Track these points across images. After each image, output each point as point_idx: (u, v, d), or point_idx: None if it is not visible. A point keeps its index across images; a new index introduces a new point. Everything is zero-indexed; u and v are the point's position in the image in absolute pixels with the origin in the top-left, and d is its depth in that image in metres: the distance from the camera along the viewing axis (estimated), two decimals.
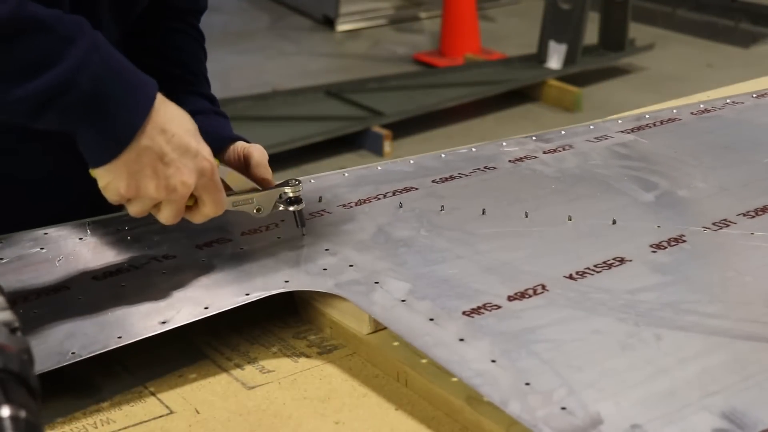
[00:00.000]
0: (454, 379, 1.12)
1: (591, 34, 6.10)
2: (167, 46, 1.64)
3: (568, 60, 5.87)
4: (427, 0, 7.77)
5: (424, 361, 1.17)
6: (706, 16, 7.24)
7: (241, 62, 6.28)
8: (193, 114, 1.60)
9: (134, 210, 1.23)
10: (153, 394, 1.17)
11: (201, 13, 1.68)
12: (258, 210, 1.36)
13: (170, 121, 1.22)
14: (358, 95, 5.53)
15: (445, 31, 6.59)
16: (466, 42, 6.51)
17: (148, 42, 1.63)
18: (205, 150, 1.25)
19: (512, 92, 5.78)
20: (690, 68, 6.36)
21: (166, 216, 1.24)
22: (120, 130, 1.17)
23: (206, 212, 1.27)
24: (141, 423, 1.12)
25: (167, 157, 1.20)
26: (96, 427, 1.11)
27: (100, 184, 1.20)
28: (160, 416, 1.13)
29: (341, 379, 1.20)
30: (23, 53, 1.12)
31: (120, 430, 1.11)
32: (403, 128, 5.25)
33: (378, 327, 1.24)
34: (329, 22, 7.46)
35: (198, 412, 1.14)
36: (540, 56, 5.98)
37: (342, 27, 7.40)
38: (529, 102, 5.80)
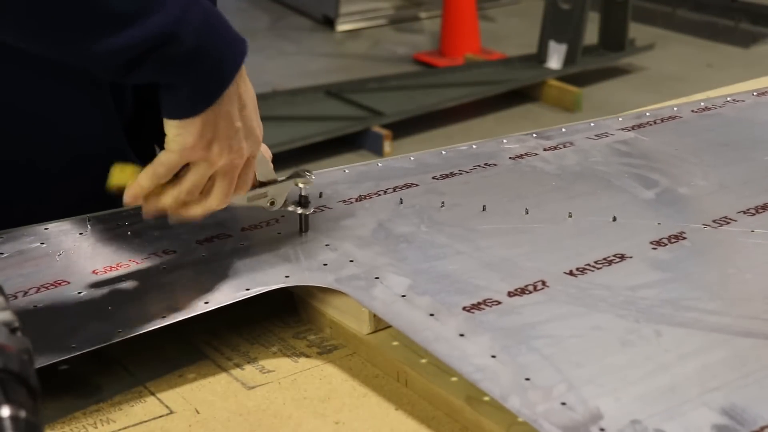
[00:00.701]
0: (454, 379, 1.12)
1: (591, 34, 6.10)
2: None
3: (568, 60, 5.87)
4: (427, 0, 7.78)
5: (423, 360, 1.17)
6: (706, 16, 7.25)
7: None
8: None
9: (191, 180, 1.20)
10: (153, 394, 1.17)
11: None
12: (271, 203, 1.36)
13: (246, 92, 1.21)
14: (358, 95, 5.53)
15: (445, 31, 6.60)
16: (466, 42, 6.52)
17: None
18: (261, 131, 1.25)
19: (512, 92, 5.78)
20: (690, 68, 6.36)
21: (218, 193, 1.23)
22: (212, 86, 1.16)
23: (213, 203, 1.24)
24: (141, 423, 1.12)
25: (236, 125, 1.19)
26: (96, 427, 1.11)
27: (170, 134, 1.17)
28: (160, 416, 1.13)
29: (341, 379, 1.19)
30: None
31: (120, 430, 1.11)
32: (403, 128, 5.26)
33: (378, 327, 1.24)
34: (329, 22, 7.46)
35: (198, 412, 1.14)
36: (540, 56, 5.99)
37: (342, 27, 7.40)
38: (529, 102, 5.81)
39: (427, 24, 7.54)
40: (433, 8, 7.48)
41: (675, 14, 7.34)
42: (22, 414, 0.69)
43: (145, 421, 1.12)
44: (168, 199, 1.22)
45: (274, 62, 6.53)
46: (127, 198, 1.21)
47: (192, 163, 1.20)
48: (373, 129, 5.13)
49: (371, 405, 1.14)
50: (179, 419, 1.13)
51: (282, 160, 4.61)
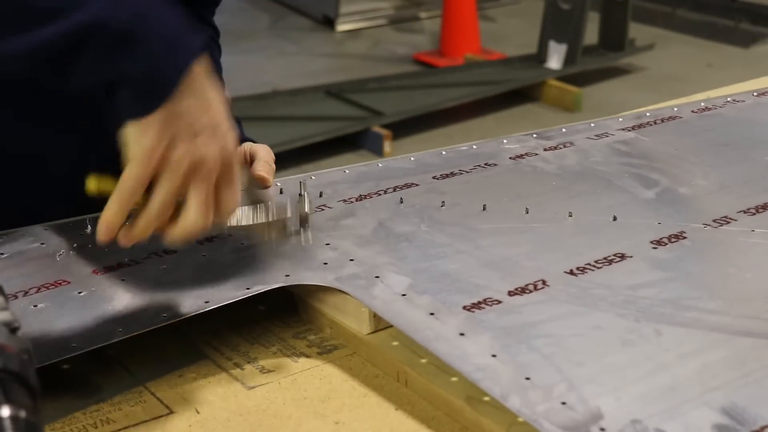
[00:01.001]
0: (454, 379, 1.12)
1: (591, 34, 6.10)
2: None
3: (568, 60, 5.87)
4: (427, 0, 7.77)
5: (423, 360, 1.17)
6: (706, 16, 7.24)
7: (241, 62, 6.28)
8: None
9: (159, 195, 1.09)
10: (153, 394, 1.17)
11: (216, 4, 1.67)
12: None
13: (211, 90, 1.12)
14: (358, 95, 5.53)
15: (445, 31, 6.60)
16: (466, 42, 6.52)
17: None
18: (233, 135, 1.16)
19: (512, 92, 5.78)
20: (690, 68, 6.36)
21: (194, 206, 1.11)
22: (162, 78, 1.07)
23: (190, 219, 1.13)
24: (141, 423, 1.12)
25: (200, 121, 1.10)
26: (96, 427, 1.11)
27: (128, 142, 1.08)
28: (160, 416, 1.13)
29: (341, 379, 1.19)
30: None
31: (120, 430, 1.11)
32: (403, 128, 5.26)
33: (378, 327, 1.24)
34: (329, 22, 7.46)
35: (198, 412, 1.13)
36: (540, 56, 5.99)
37: (342, 27, 7.40)
38: (529, 102, 5.80)
39: (427, 24, 7.54)
40: (433, 8, 7.48)
41: (675, 14, 7.34)
42: (22, 414, 0.69)
43: (145, 421, 1.12)
44: (140, 223, 1.12)
45: (274, 62, 6.53)
46: (100, 235, 1.11)
47: (157, 178, 1.11)
48: (373, 129, 5.13)
49: (371, 405, 1.14)
50: (179, 419, 1.13)
51: (282, 160, 4.60)
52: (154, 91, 1.08)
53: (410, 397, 1.15)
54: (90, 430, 1.11)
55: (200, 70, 1.11)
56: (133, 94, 1.08)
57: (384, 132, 5.08)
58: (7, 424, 0.68)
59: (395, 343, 1.21)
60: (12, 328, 0.75)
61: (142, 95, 1.08)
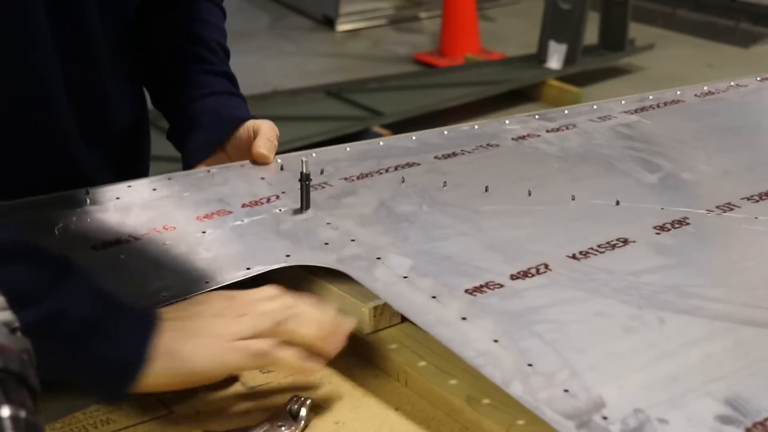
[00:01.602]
0: (453, 382, 1.12)
1: (591, 34, 6.08)
2: (189, 18, 1.63)
3: (568, 60, 5.85)
4: (427, 0, 7.75)
5: (423, 363, 1.16)
6: (706, 16, 7.22)
7: (241, 62, 6.23)
8: (209, 95, 1.60)
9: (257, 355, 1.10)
10: (153, 394, 1.15)
11: None
12: None
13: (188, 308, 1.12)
14: (358, 95, 5.51)
15: (445, 31, 6.58)
16: (466, 42, 6.50)
17: (170, 15, 1.62)
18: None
19: (512, 92, 5.76)
20: (690, 68, 6.34)
21: (289, 359, 1.10)
22: (131, 347, 1.06)
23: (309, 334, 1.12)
24: (141, 423, 1.11)
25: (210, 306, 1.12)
26: (96, 427, 1.10)
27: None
28: (160, 416, 1.12)
29: (341, 379, 1.18)
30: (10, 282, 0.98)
31: (120, 430, 1.10)
32: (403, 128, 5.22)
33: (378, 327, 1.23)
34: (329, 22, 7.43)
35: (198, 412, 1.13)
36: (540, 56, 5.96)
37: (342, 27, 7.38)
38: (529, 102, 5.78)
39: (427, 24, 7.51)
40: (433, 8, 7.45)
41: (675, 14, 7.32)
42: (22, 414, 0.68)
43: (145, 421, 1.11)
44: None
45: (274, 62, 6.50)
46: None
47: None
48: (373, 129, 5.10)
49: (371, 405, 1.13)
50: (179, 419, 1.12)
51: None
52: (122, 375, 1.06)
53: (410, 397, 1.14)
54: (90, 430, 1.10)
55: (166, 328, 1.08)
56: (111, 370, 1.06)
57: (384, 132, 5.05)
58: (7, 424, 0.67)
59: (394, 346, 1.20)
60: (12, 328, 0.74)
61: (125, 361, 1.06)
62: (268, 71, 6.14)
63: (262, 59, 6.53)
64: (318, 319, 1.12)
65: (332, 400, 1.14)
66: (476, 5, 6.62)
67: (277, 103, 5.19)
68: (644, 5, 7.30)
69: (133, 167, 1.61)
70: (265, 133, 1.55)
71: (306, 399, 1.10)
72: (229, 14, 1.72)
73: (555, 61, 5.86)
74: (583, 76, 5.99)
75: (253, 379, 1.18)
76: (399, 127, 5.16)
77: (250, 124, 1.57)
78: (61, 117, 1.42)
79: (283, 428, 1.08)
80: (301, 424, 1.08)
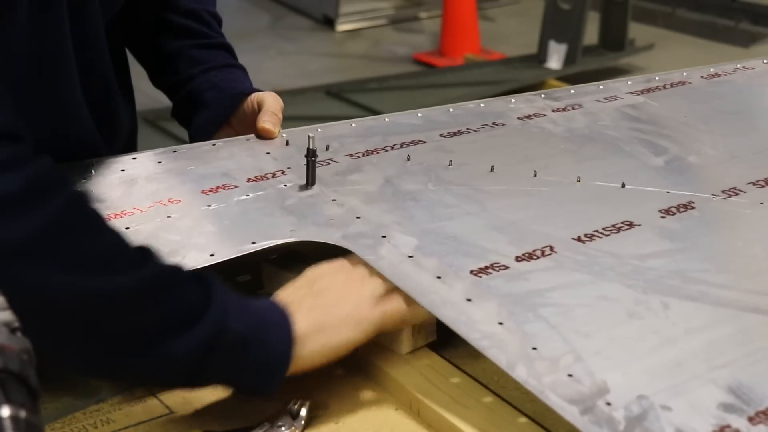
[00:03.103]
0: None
1: (591, 34, 6.05)
2: None
3: (568, 60, 5.83)
4: (427, 0, 7.72)
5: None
6: (706, 16, 7.19)
7: (241, 62, 6.21)
8: (209, 69, 1.59)
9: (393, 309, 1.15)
10: (153, 394, 1.15)
11: None
12: None
13: (322, 286, 1.14)
14: (358, 95, 5.49)
15: (445, 31, 6.55)
16: (466, 42, 6.47)
17: None
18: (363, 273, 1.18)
19: (512, 92, 5.74)
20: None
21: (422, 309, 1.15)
22: (279, 346, 1.08)
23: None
24: (141, 423, 1.11)
25: (331, 316, 1.12)
26: (96, 427, 1.10)
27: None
28: (160, 416, 1.13)
29: (341, 379, 1.18)
30: (170, 308, 1.02)
31: (120, 430, 1.10)
32: None
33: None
34: (329, 22, 7.40)
35: (198, 412, 1.13)
36: (540, 56, 5.94)
37: (342, 27, 7.34)
38: None
39: (427, 24, 7.47)
40: (433, 8, 7.41)
41: (675, 14, 7.28)
42: (22, 414, 0.69)
43: (145, 421, 1.12)
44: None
45: (274, 62, 6.46)
46: None
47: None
48: None
49: (371, 405, 1.13)
50: (179, 419, 1.12)
51: None
52: (279, 358, 1.08)
53: (410, 397, 1.13)
54: (90, 430, 1.10)
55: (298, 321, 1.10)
56: (262, 373, 1.08)
57: None
58: (7, 424, 0.67)
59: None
60: (12, 328, 0.74)
61: (273, 367, 1.08)
62: (268, 71, 6.11)
63: (262, 59, 6.49)
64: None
65: (332, 400, 1.13)
66: (476, 5, 6.59)
67: None
68: (644, 5, 7.27)
69: None
70: (269, 106, 1.55)
71: (306, 399, 1.10)
72: (229, 14, 1.72)
73: (555, 61, 5.84)
74: (583, 76, 5.96)
75: None
76: None
77: (254, 97, 1.57)
78: (82, 119, 1.42)
79: (283, 428, 1.08)
80: (301, 424, 1.08)
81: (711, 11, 7.20)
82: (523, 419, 1.07)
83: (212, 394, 1.15)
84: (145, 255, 1.04)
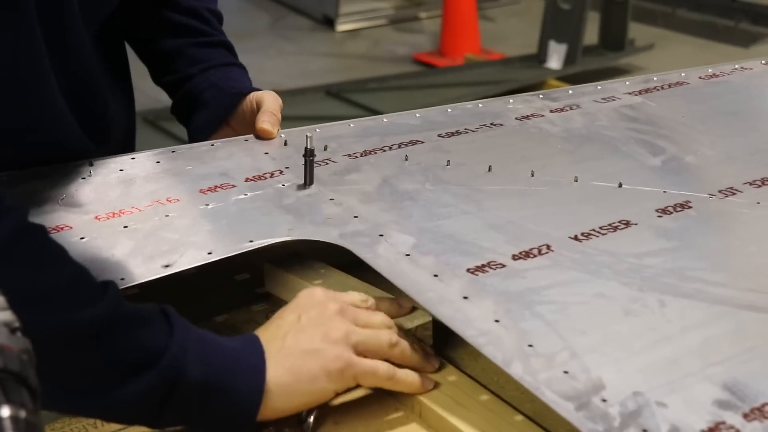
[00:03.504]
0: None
1: (591, 34, 6.07)
2: None
3: (568, 60, 5.85)
4: (427, 0, 7.74)
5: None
6: (706, 16, 7.21)
7: (241, 62, 6.20)
8: (208, 68, 1.60)
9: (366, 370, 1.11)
10: None
11: None
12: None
13: (295, 335, 1.09)
14: (358, 95, 5.51)
15: (445, 31, 6.57)
16: (466, 42, 6.50)
17: None
18: (341, 323, 1.12)
19: (512, 92, 5.75)
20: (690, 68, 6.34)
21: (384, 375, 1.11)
22: (246, 396, 1.05)
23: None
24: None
25: (307, 315, 1.11)
26: (96, 427, 1.10)
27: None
28: None
29: None
30: (125, 352, 1.00)
31: (120, 430, 1.10)
32: None
33: None
34: (329, 22, 7.43)
35: None
36: (540, 56, 5.96)
37: (342, 27, 7.37)
38: None
39: (427, 24, 7.50)
40: (433, 8, 7.44)
41: (675, 14, 7.31)
42: (22, 414, 0.68)
43: None
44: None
45: (274, 62, 6.48)
46: None
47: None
48: None
49: (371, 405, 1.13)
50: None
51: None
52: (244, 409, 1.05)
53: (410, 397, 1.13)
54: (90, 430, 1.10)
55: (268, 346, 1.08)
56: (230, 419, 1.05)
57: None
58: (7, 424, 0.67)
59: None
60: (12, 328, 0.74)
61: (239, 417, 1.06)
62: (268, 71, 6.13)
63: (262, 59, 6.51)
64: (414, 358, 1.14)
65: (332, 400, 1.12)
66: (476, 5, 6.62)
67: None
68: (644, 5, 7.30)
69: None
70: (268, 106, 1.55)
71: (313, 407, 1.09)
72: (229, 14, 1.72)
73: (555, 61, 5.86)
74: (583, 76, 5.98)
75: None
76: None
77: (253, 96, 1.58)
78: (68, 124, 1.40)
79: None
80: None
81: (711, 11, 7.22)
82: (522, 419, 1.07)
83: None
84: (102, 292, 1.01)
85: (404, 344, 1.13)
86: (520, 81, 5.81)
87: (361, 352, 1.10)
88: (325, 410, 1.11)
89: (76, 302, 0.99)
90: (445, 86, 5.79)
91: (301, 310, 1.12)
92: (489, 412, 1.08)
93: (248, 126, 1.56)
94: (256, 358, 1.06)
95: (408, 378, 1.11)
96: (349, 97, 5.49)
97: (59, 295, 0.98)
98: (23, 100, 1.33)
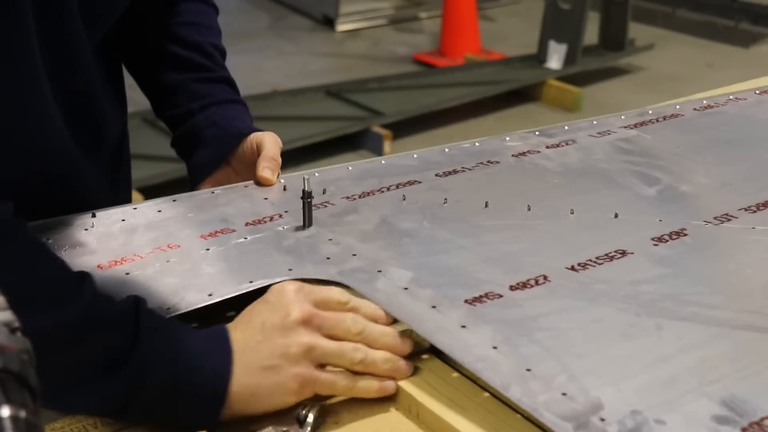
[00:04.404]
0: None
1: (591, 34, 6.11)
2: (180, 22, 1.64)
3: (568, 60, 5.89)
4: (427, 0, 7.79)
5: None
6: (706, 16, 7.26)
7: (241, 62, 6.28)
8: (209, 105, 1.61)
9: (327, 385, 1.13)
10: None
11: None
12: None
13: (256, 347, 1.11)
14: (358, 95, 5.55)
15: (445, 31, 6.61)
16: (466, 42, 6.54)
17: (160, 19, 1.64)
18: (302, 337, 1.13)
19: (512, 92, 5.80)
20: (690, 68, 6.38)
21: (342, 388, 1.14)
22: (209, 398, 1.09)
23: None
24: (141, 423, 1.12)
25: (271, 333, 1.12)
26: (96, 427, 1.11)
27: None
28: None
29: None
30: (84, 357, 1.05)
31: (120, 430, 1.11)
32: (403, 128, 5.27)
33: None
34: (329, 22, 7.48)
35: None
36: (540, 56, 6.00)
37: (342, 27, 7.42)
38: (529, 102, 5.82)
39: (427, 24, 7.55)
40: (433, 8, 7.50)
41: (675, 14, 7.35)
42: (22, 414, 0.69)
43: (145, 422, 1.12)
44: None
45: (274, 62, 6.53)
46: None
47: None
48: (373, 129, 5.14)
49: (371, 405, 1.14)
50: None
51: (282, 160, 4.63)
52: (208, 407, 1.09)
53: (409, 398, 1.15)
54: (90, 430, 1.11)
55: (237, 345, 1.11)
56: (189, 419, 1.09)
57: (384, 132, 5.10)
58: (7, 424, 0.68)
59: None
60: (12, 328, 0.75)
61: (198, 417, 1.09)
62: (268, 71, 6.17)
63: (262, 59, 6.56)
64: (388, 343, 1.15)
65: (332, 400, 1.14)
66: (476, 5, 6.66)
67: (277, 103, 5.22)
68: (644, 5, 7.34)
69: (120, 173, 1.61)
70: (268, 150, 1.56)
71: (314, 404, 1.11)
72: (229, 14, 1.73)
73: (555, 61, 5.89)
74: (583, 76, 6.02)
75: None
76: (399, 127, 5.20)
77: (253, 137, 1.59)
78: (56, 131, 1.39)
79: None
80: (308, 430, 1.09)
81: (711, 11, 7.26)
82: (520, 419, 1.07)
83: None
84: (75, 293, 1.05)
85: (372, 330, 1.15)
86: (520, 81, 5.85)
87: (323, 363, 1.13)
88: (325, 410, 1.12)
89: (45, 305, 1.02)
90: (445, 86, 5.82)
91: (267, 314, 1.13)
92: (487, 412, 1.08)
93: (247, 166, 1.58)
94: (223, 359, 1.09)
95: (367, 386, 1.13)
96: (349, 97, 5.52)
97: (28, 297, 1.01)
98: (15, 108, 1.32)
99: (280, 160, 1.58)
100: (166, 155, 3.83)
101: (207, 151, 1.61)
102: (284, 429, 1.09)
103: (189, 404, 1.07)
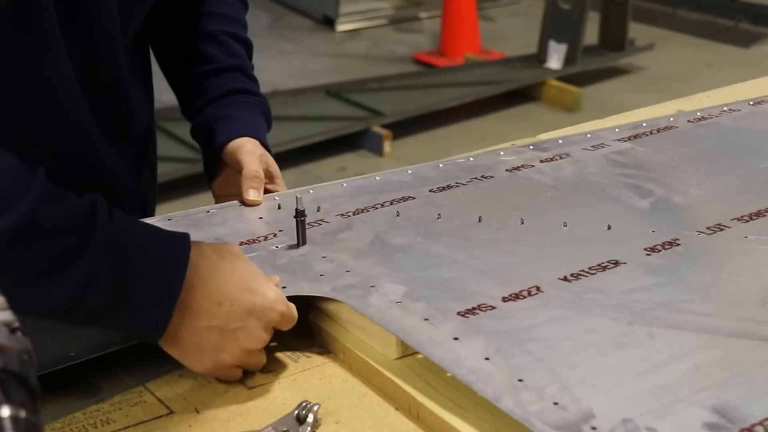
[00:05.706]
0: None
1: (591, 34, 6.12)
2: (198, 13, 1.67)
3: (568, 60, 5.90)
4: (427, 0, 7.80)
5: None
6: (706, 16, 7.26)
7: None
8: (205, 106, 1.63)
9: (228, 377, 1.20)
10: (153, 394, 1.18)
11: None
12: None
13: (225, 286, 1.17)
14: (358, 95, 5.56)
15: (445, 31, 6.63)
16: (466, 42, 6.55)
17: (183, 15, 1.66)
18: (270, 295, 1.20)
19: (512, 92, 5.81)
20: (690, 68, 6.38)
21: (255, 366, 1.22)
22: (155, 319, 1.14)
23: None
24: (141, 423, 1.13)
25: (231, 326, 1.17)
26: (96, 427, 1.12)
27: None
28: (160, 416, 1.14)
29: (341, 379, 1.20)
30: (34, 261, 1.07)
31: (120, 430, 1.12)
32: (403, 128, 5.28)
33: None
34: (329, 22, 7.49)
35: (198, 412, 1.15)
36: (540, 56, 6.01)
37: (342, 27, 7.43)
38: (529, 102, 5.83)
39: (427, 24, 7.56)
40: (433, 8, 7.51)
41: (675, 14, 7.35)
42: (22, 414, 0.69)
43: (145, 421, 1.13)
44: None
45: (274, 62, 6.53)
46: None
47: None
48: (373, 129, 5.15)
49: (371, 405, 1.15)
50: (179, 419, 1.14)
51: (282, 160, 4.64)
52: (153, 327, 1.16)
53: (409, 397, 1.15)
54: (90, 430, 1.12)
55: (202, 275, 1.17)
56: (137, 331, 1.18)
57: (384, 132, 5.11)
58: (7, 424, 0.68)
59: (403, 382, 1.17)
60: (12, 328, 0.75)
61: (147, 331, 1.16)
62: (268, 71, 6.16)
63: (262, 59, 6.54)
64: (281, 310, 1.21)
65: (332, 400, 1.15)
66: (476, 5, 6.67)
67: (277, 103, 5.21)
68: (644, 5, 7.34)
69: (145, 167, 1.62)
70: (248, 169, 1.56)
71: (315, 404, 1.11)
72: None
73: (555, 61, 5.90)
74: (583, 76, 6.03)
75: (253, 379, 1.21)
76: (399, 127, 5.20)
77: (231, 151, 1.60)
78: (85, 121, 1.40)
79: None
80: (308, 430, 1.09)
81: (711, 11, 7.25)
82: None
83: (214, 394, 1.18)
84: (23, 191, 1.06)
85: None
86: (520, 81, 5.86)
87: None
88: (325, 410, 1.13)
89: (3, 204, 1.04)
90: (445, 86, 5.83)
91: (223, 255, 1.21)
92: (487, 412, 1.08)
93: (235, 173, 1.61)
94: (176, 276, 1.14)
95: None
96: (349, 97, 5.53)
97: None
98: (45, 99, 1.35)
99: (262, 174, 1.58)
100: (166, 156, 3.86)
101: (205, 161, 1.68)
102: (284, 429, 1.09)
103: (132, 319, 1.13)
